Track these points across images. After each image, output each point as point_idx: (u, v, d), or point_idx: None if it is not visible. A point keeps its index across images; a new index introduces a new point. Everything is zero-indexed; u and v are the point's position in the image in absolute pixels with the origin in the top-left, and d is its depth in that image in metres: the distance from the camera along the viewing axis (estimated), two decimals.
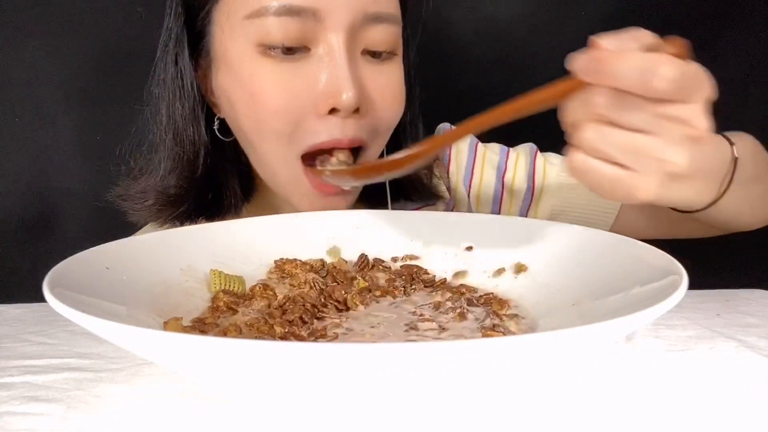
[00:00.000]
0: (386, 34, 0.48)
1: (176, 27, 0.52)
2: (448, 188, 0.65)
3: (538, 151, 0.65)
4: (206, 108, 0.55)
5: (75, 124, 0.84)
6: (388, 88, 0.49)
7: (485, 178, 0.63)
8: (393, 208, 0.64)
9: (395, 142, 0.56)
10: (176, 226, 0.58)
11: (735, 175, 0.44)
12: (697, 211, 0.46)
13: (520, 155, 0.64)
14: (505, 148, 0.65)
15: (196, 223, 0.59)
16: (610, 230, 0.57)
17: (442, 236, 0.53)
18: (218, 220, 0.59)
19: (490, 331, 0.40)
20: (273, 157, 0.50)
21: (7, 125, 0.83)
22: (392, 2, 0.48)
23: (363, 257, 0.52)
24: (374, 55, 0.49)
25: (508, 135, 0.67)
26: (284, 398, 0.34)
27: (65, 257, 0.39)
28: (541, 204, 0.63)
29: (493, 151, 0.64)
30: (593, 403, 0.34)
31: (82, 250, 0.41)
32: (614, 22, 0.82)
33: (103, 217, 0.86)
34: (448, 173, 0.65)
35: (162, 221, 0.57)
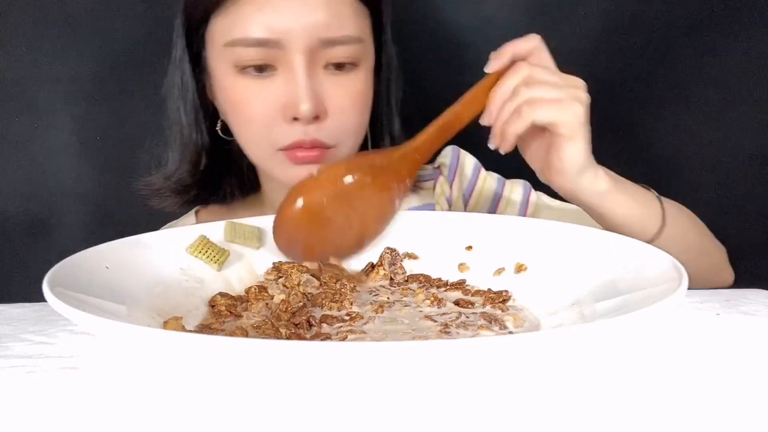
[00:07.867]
0: (344, 52, 0.56)
1: (181, 45, 0.62)
2: (449, 200, 0.70)
3: (533, 189, 0.70)
4: (214, 110, 0.65)
5: (75, 125, 0.84)
6: (346, 97, 0.57)
7: (482, 202, 0.70)
8: None
9: (374, 138, 0.66)
10: (189, 210, 0.71)
11: (666, 209, 0.54)
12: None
13: (515, 187, 0.70)
14: (502, 178, 0.71)
15: (203, 207, 0.71)
16: None
17: (442, 236, 0.53)
18: (221, 205, 0.70)
19: (490, 330, 0.40)
20: (257, 151, 0.60)
21: (6, 125, 0.83)
22: (348, 26, 0.56)
23: (369, 264, 0.53)
24: (338, 66, 0.56)
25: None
26: (284, 398, 0.34)
27: (65, 257, 0.39)
28: None
29: (492, 177, 0.71)
30: (593, 403, 0.34)
31: (82, 250, 0.41)
32: (613, 23, 0.82)
33: (103, 217, 0.86)
34: (451, 187, 0.71)
35: (170, 207, 0.68)
